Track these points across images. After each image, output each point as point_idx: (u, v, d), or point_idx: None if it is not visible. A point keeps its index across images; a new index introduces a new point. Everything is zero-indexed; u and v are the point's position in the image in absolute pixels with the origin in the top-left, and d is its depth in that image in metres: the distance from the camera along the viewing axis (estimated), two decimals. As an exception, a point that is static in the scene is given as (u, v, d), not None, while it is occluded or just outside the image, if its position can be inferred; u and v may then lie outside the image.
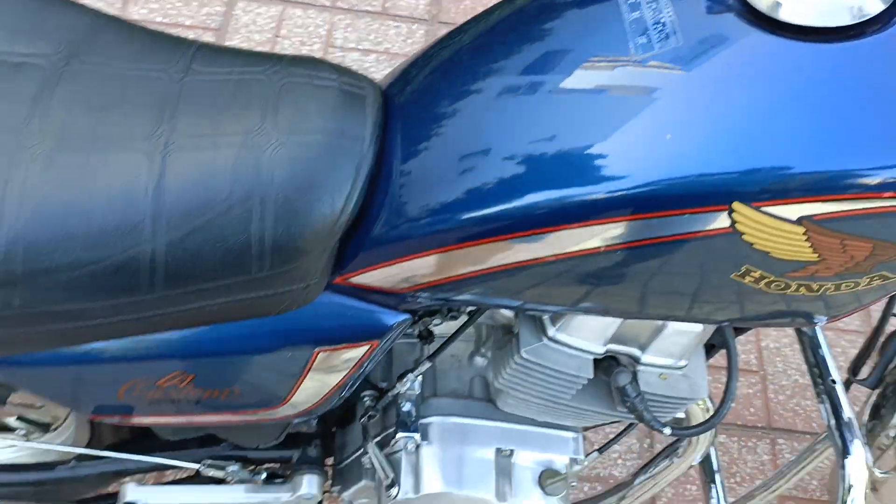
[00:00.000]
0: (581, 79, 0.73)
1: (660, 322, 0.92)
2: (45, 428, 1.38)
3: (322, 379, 0.93)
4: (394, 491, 1.07)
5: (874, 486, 1.30)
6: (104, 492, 1.31)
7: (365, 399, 1.12)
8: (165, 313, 0.81)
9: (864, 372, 1.19)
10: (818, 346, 1.05)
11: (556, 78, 0.74)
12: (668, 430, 0.99)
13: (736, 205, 0.67)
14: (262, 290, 0.81)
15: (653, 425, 0.98)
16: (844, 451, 1.00)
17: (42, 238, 0.75)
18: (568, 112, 0.73)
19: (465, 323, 1.00)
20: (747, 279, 0.73)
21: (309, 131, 0.79)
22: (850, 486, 0.99)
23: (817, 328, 1.08)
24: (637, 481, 1.25)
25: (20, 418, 1.39)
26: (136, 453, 1.14)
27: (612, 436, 1.19)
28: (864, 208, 0.66)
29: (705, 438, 1.18)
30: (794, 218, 0.67)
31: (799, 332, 1.09)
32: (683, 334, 0.93)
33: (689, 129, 0.68)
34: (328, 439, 1.23)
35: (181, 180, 0.77)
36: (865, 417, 1.24)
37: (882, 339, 1.14)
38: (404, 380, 1.06)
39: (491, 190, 0.75)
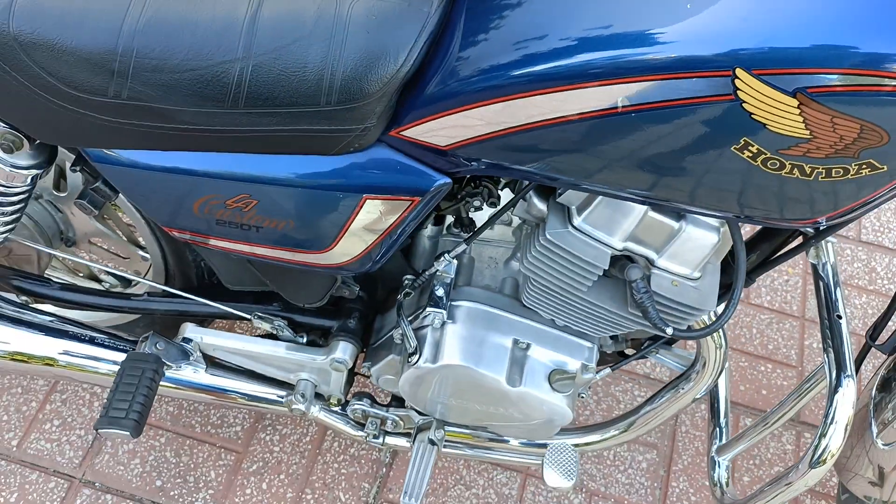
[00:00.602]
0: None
1: (675, 225, 1.00)
2: (127, 283, 1.56)
3: (367, 227, 1.05)
4: (415, 358, 1.18)
5: (881, 473, 1.32)
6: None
7: (405, 282, 1.24)
8: (243, 131, 0.95)
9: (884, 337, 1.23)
10: (832, 283, 1.10)
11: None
12: (669, 330, 1.06)
13: (738, 71, 0.75)
14: (327, 123, 0.94)
15: (657, 323, 1.06)
16: (836, 385, 1.04)
17: (154, 41, 0.90)
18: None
19: (502, 209, 1.10)
20: (746, 153, 0.81)
21: (386, -8, 0.92)
22: (834, 420, 1.03)
23: (832, 265, 1.12)
24: (644, 409, 1.32)
25: (108, 273, 1.57)
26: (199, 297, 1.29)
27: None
28: (853, 85, 0.73)
29: (710, 372, 1.24)
30: (791, 89, 0.75)
31: (815, 270, 1.14)
32: (697, 242, 1.01)
33: (706, 1, 0.77)
34: (368, 322, 1.34)
35: (274, 13, 0.91)
36: (874, 391, 1.27)
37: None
38: (441, 259, 1.17)
39: (527, 53, 0.85)
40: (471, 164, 0.98)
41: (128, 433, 1.16)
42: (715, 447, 1.29)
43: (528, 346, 1.19)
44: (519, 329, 1.19)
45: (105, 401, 1.19)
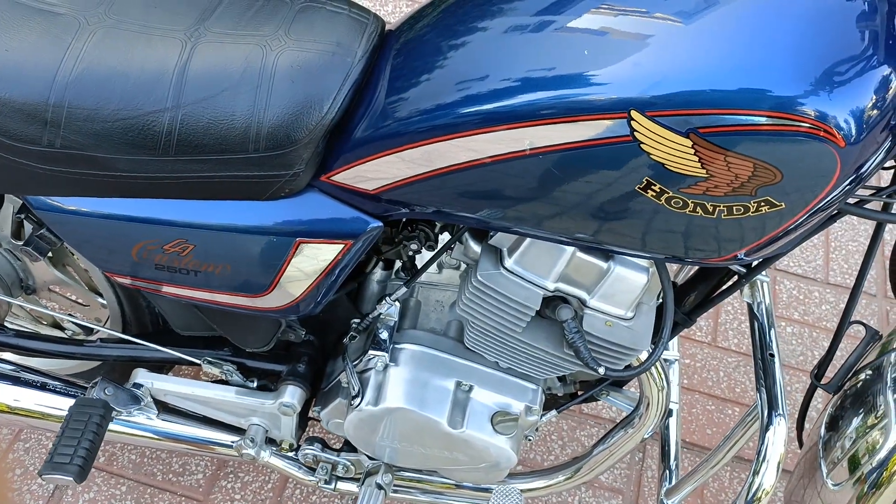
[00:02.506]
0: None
1: (604, 266, 1.02)
2: (89, 331, 1.58)
3: (303, 270, 1.07)
4: (357, 401, 1.19)
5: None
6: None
7: (352, 325, 1.25)
8: (175, 178, 0.98)
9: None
10: (766, 322, 1.12)
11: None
12: (602, 370, 1.07)
13: (633, 113, 0.78)
14: (256, 169, 0.97)
15: (589, 363, 1.07)
16: (768, 424, 1.05)
17: (86, 92, 0.93)
18: (502, 40, 0.87)
19: (438, 252, 1.12)
20: (650, 192, 0.83)
21: (312, 41, 0.96)
22: (766, 458, 1.04)
23: (766, 306, 1.14)
24: (595, 452, 1.32)
25: (67, 319, 1.59)
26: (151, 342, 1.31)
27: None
28: (742, 125, 0.76)
29: (654, 413, 1.24)
30: (684, 130, 0.77)
31: (750, 309, 1.15)
32: (627, 282, 1.03)
33: (603, 48, 0.80)
34: (318, 367, 1.35)
35: (203, 63, 0.95)
36: (822, 430, 1.27)
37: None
38: (383, 302, 1.19)
39: (442, 101, 0.89)
40: (399, 208, 1.01)
41: (71, 478, 1.17)
42: (664, 489, 1.28)
43: (471, 388, 1.20)
44: (462, 371, 1.20)
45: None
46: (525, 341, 1.12)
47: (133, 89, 0.94)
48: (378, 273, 1.28)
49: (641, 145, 0.80)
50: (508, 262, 1.05)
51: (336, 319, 1.30)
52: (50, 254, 1.19)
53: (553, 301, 1.08)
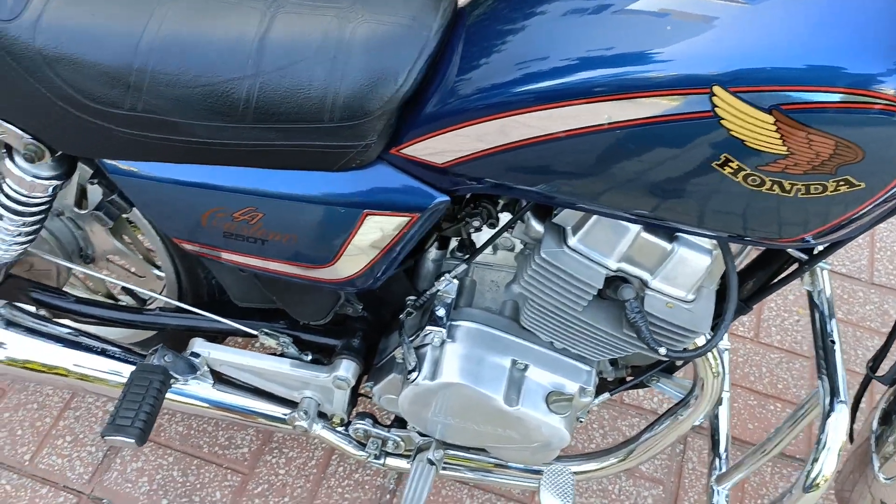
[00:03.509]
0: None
1: (668, 247, 1.02)
2: (142, 302, 1.61)
3: (368, 243, 1.08)
4: (413, 375, 1.20)
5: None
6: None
7: (407, 302, 1.27)
8: (250, 145, 1.00)
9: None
10: (826, 311, 1.11)
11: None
12: (663, 350, 1.08)
13: (716, 88, 0.78)
14: (329, 139, 0.99)
15: (650, 343, 1.07)
16: (829, 411, 1.05)
17: (169, 57, 0.95)
18: (585, 20, 0.87)
19: (500, 229, 1.13)
20: (727, 169, 0.83)
21: (388, 14, 0.97)
22: (826, 446, 1.03)
23: (827, 295, 1.14)
24: (645, 436, 1.32)
25: (124, 289, 1.62)
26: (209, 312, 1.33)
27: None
28: (826, 102, 0.76)
29: (707, 398, 1.24)
30: (766, 106, 0.78)
31: (811, 297, 1.15)
32: (690, 264, 1.03)
33: (686, 25, 0.81)
34: (372, 343, 1.37)
35: (282, 33, 0.96)
36: (875, 424, 1.27)
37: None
38: (442, 279, 1.20)
39: (521, 73, 0.90)
40: (467, 182, 1.02)
41: (133, 441, 1.19)
42: (714, 476, 1.28)
43: (526, 367, 1.21)
44: (517, 350, 1.21)
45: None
46: (584, 321, 1.12)
47: (214, 56, 0.96)
48: (433, 252, 1.29)
49: (722, 121, 0.80)
50: (572, 241, 1.06)
51: (390, 295, 1.32)
52: (111, 223, 1.22)
53: (614, 281, 1.08)
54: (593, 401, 1.23)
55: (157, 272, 1.51)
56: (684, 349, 1.11)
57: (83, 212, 1.40)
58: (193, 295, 1.42)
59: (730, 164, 0.83)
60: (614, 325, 1.12)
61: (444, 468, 1.38)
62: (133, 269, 1.60)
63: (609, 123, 0.85)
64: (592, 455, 1.36)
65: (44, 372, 1.35)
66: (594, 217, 1.03)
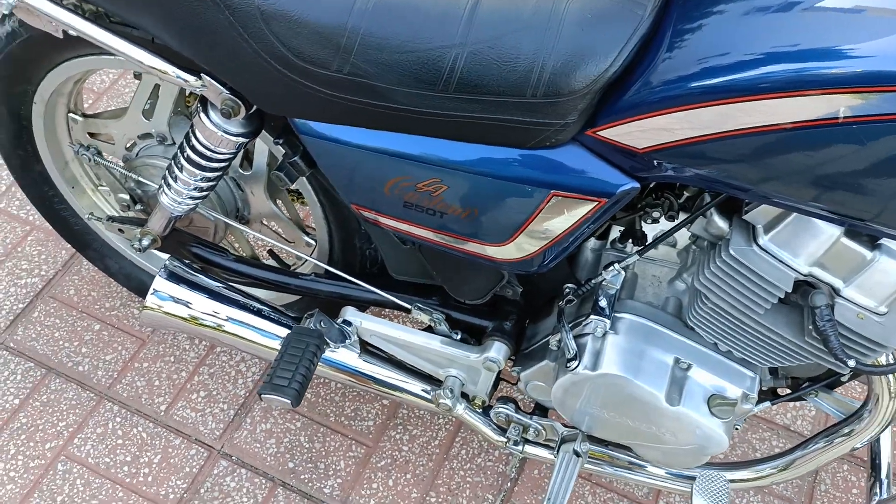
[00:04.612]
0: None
1: (868, 255, 0.97)
2: (287, 267, 1.63)
3: (547, 225, 1.07)
4: (573, 364, 1.18)
5: None
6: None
7: (566, 290, 1.24)
8: (448, 116, 0.99)
9: None
10: None
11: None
12: (852, 363, 1.03)
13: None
14: (529, 115, 0.97)
15: (838, 354, 1.02)
16: None
17: (381, 21, 0.95)
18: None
19: (682, 222, 1.10)
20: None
21: (604, -8, 0.95)
22: None
23: None
24: (808, 448, 1.26)
25: (270, 252, 1.65)
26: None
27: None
28: None
29: (880, 420, 1.18)
30: None
31: None
32: (889, 275, 0.97)
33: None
34: (521, 327, 1.36)
35: (493, 3, 0.95)
36: None
37: None
38: (610, 269, 1.17)
39: (742, 59, 0.86)
40: (664, 170, 0.98)
41: (289, 401, 1.21)
42: (875, 501, 1.22)
43: (689, 366, 1.17)
44: (681, 348, 1.18)
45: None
46: (763, 325, 1.08)
47: (425, 23, 0.95)
48: (594, 241, 1.27)
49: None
50: (763, 240, 1.02)
51: (548, 282, 1.30)
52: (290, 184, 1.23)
53: (800, 286, 1.04)
54: (753, 408, 1.18)
55: (307, 239, 1.53)
56: (872, 364, 1.05)
57: (247, 173, 1.43)
58: (343, 264, 1.42)
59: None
60: (795, 332, 1.07)
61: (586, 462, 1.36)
62: (284, 235, 1.62)
63: (845, 118, 0.81)
64: (746, 463, 1.31)
65: (198, 325, 1.38)
66: (791, 216, 0.98)
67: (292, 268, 1.62)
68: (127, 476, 1.63)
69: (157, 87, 1.38)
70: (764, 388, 1.30)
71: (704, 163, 0.94)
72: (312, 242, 1.51)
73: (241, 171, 1.43)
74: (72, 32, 1.10)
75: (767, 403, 1.22)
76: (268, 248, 1.81)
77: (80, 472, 1.63)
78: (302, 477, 1.64)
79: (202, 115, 1.13)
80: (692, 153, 0.93)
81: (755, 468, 1.28)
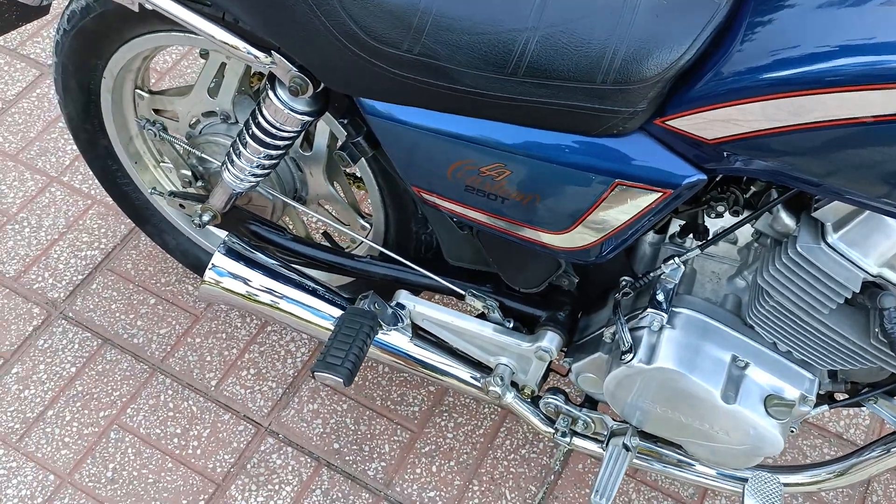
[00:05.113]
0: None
1: (944, 258, 0.94)
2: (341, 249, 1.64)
3: (609, 214, 1.06)
4: (628, 356, 1.17)
5: None
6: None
7: (622, 282, 1.23)
8: (516, 100, 0.99)
9: None
10: None
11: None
12: (918, 368, 1.00)
13: None
14: (598, 101, 0.96)
15: (905, 358, 1.00)
16: None
17: (453, 4, 0.96)
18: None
19: (747, 217, 1.08)
20: None
21: (680, -21, 0.94)
22: None
23: None
24: (866, 455, 1.24)
25: (325, 234, 1.66)
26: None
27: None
28: None
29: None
30: None
31: None
32: (965, 280, 0.95)
33: None
34: (574, 319, 1.35)
35: (568, -11, 0.95)
36: None
37: None
38: (669, 262, 1.16)
39: (818, 51, 0.84)
40: (734, 162, 0.97)
41: (341, 380, 1.22)
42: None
43: (747, 365, 1.15)
44: (738, 346, 1.16)
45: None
46: (827, 325, 1.06)
47: (497, 5, 0.95)
48: (652, 235, 1.25)
49: None
50: (832, 238, 1.00)
51: (604, 273, 1.29)
52: (353, 165, 1.24)
53: (868, 287, 1.01)
54: (811, 411, 1.16)
55: (362, 222, 1.54)
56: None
57: (307, 154, 1.44)
58: (397, 248, 1.43)
59: None
60: (860, 334, 1.05)
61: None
62: (339, 217, 1.63)
63: (928, 112, 0.79)
64: (804, 467, 1.28)
65: (253, 301, 1.40)
66: (863, 214, 0.96)
67: (346, 250, 1.63)
68: (176, 448, 1.66)
69: (222, 65, 1.40)
70: (821, 392, 1.28)
71: (776, 155, 0.92)
72: (367, 226, 1.52)
73: (301, 151, 1.44)
74: (147, 6, 1.12)
75: (825, 407, 1.20)
76: (322, 231, 1.83)
77: (131, 442, 1.66)
78: (347, 458, 1.66)
79: (270, 92, 1.14)
80: (763, 145, 0.92)
81: (810, 472, 1.26)
